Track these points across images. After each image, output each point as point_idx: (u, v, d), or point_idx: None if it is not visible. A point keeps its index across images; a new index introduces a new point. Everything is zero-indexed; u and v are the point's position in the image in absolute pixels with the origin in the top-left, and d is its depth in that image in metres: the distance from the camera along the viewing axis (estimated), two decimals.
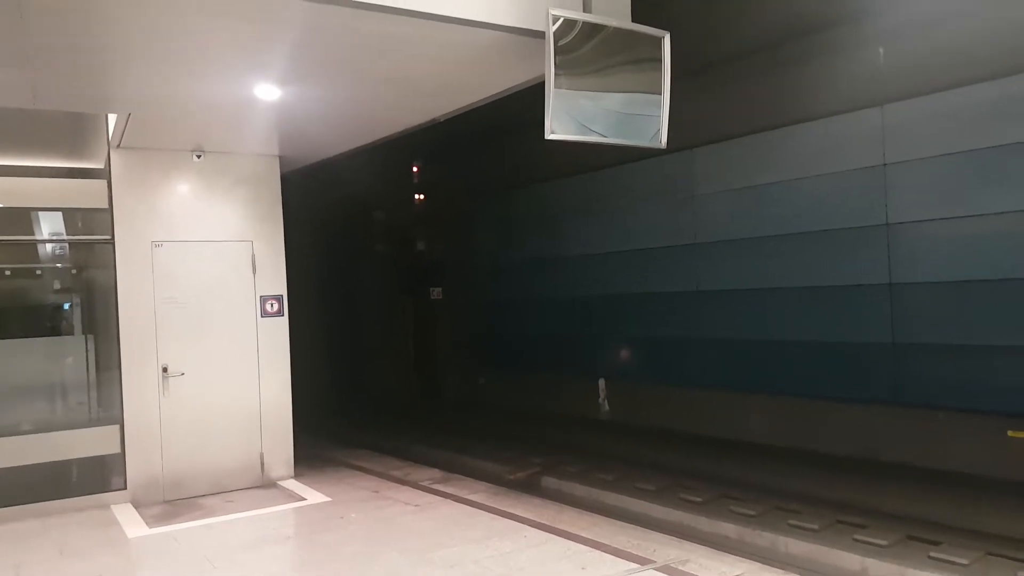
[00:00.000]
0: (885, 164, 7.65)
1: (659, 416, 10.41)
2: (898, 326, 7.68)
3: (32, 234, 7.52)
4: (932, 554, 5.83)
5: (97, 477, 7.21)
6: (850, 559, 5.88)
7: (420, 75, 5.42)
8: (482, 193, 13.63)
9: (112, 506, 6.92)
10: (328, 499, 6.98)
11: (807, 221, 8.36)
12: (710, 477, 8.28)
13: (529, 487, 8.30)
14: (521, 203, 12.77)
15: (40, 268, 7.80)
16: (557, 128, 4.60)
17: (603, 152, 9.74)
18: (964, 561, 5.66)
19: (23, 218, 7.38)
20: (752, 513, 7.04)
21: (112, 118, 6.78)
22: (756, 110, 8.79)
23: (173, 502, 7.12)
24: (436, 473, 8.00)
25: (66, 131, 7.44)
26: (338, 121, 6.76)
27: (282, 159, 7.89)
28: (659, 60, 4.82)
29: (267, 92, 5.61)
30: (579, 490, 8.29)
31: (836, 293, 8.15)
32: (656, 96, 4.84)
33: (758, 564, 5.03)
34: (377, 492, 7.19)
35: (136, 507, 6.91)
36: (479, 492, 7.03)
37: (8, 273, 7.72)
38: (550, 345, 12.24)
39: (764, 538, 6.48)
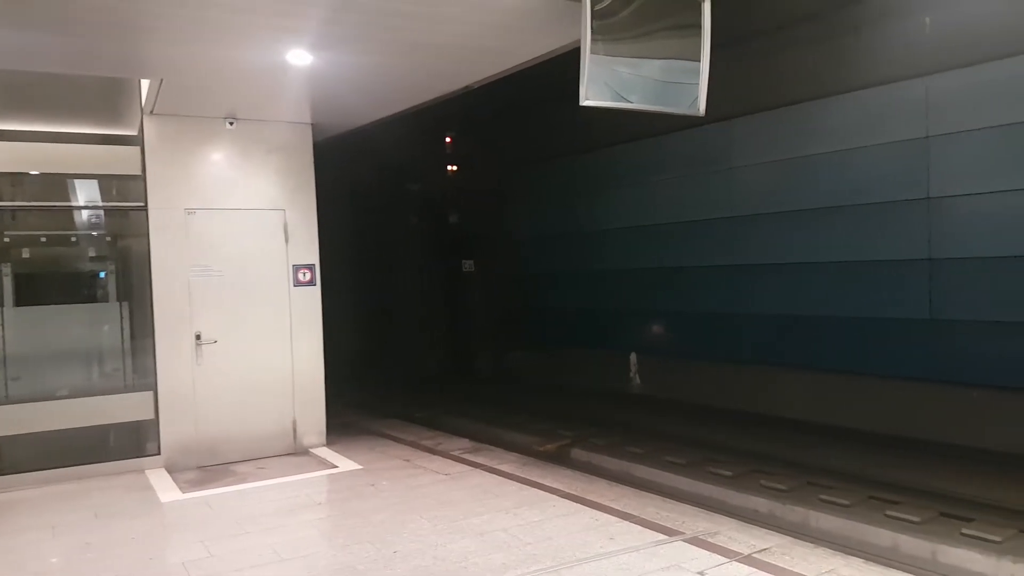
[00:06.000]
0: (928, 136, 7.45)
1: (690, 391, 10.36)
2: (936, 302, 7.53)
3: (67, 200, 7.58)
4: (965, 531, 5.76)
5: (132, 442, 7.34)
6: (882, 535, 5.84)
7: (452, 40, 5.34)
8: (515, 165, 13.54)
9: (147, 471, 7.05)
10: (360, 467, 7.04)
11: (846, 194, 8.19)
12: (740, 452, 8.22)
13: (559, 459, 8.31)
14: (553, 176, 12.66)
15: (75, 235, 7.88)
16: (592, 95, 4.52)
17: (639, 123, 9.62)
18: (997, 538, 5.59)
19: (58, 185, 7.43)
20: (783, 488, 6.99)
21: (145, 84, 6.79)
22: (797, 81, 8.59)
23: (207, 468, 7.22)
24: (467, 443, 8.03)
25: (100, 97, 7.42)
26: (370, 88, 6.71)
27: (315, 127, 7.86)
28: (699, 26, 4.70)
29: (299, 57, 5.57)
30: (609, 463, 8.29)
31: (873, 268, 8.00)
32: (695, 63, 4.72)
33: (789, 538, 4.99)
34: (408, 461, 7.24)
35: (170, 472, 7.02)
36: (509, 463, 7.04)
37: (44, 240, 7.81)
38: (581, 319, 12.20)
39: (795, 513, 6.44)
